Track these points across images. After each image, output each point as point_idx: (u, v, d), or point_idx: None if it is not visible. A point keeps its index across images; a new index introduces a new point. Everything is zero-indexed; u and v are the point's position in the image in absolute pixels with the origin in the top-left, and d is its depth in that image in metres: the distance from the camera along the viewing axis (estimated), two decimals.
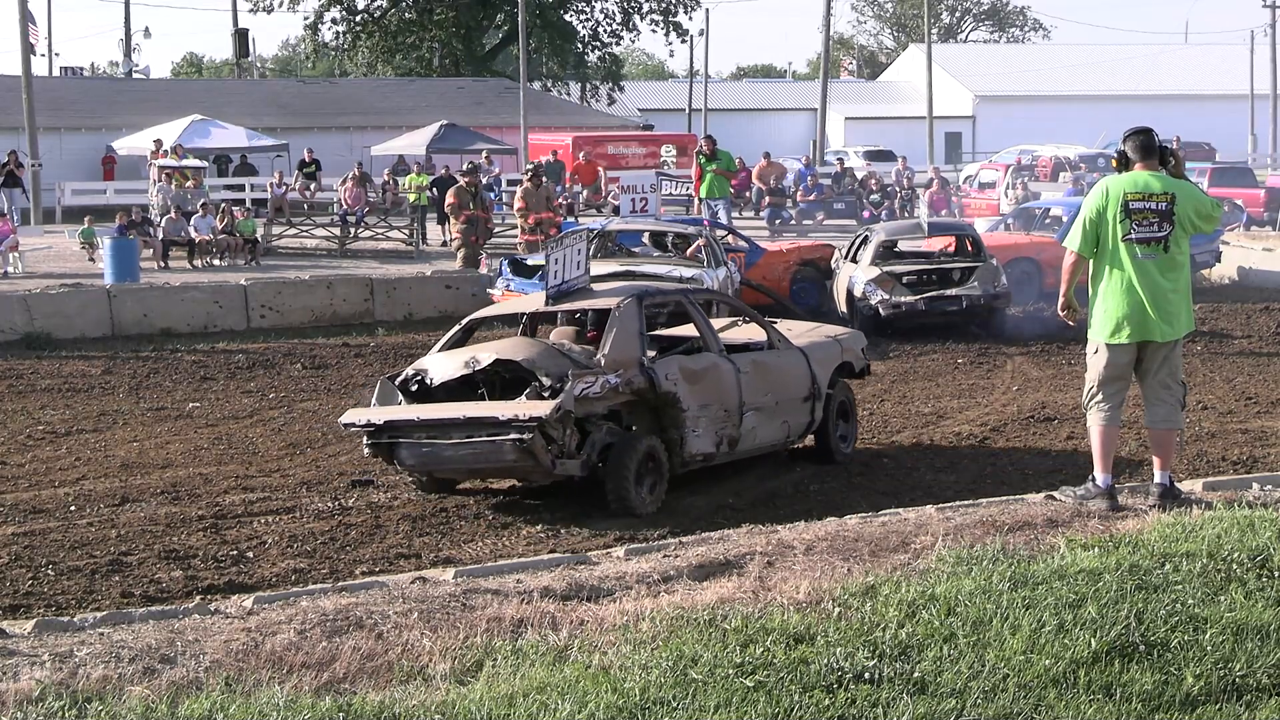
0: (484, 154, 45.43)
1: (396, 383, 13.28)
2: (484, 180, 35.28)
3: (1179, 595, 7.86)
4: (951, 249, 24.98)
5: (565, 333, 14.30)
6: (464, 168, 32.33)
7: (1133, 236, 10.15)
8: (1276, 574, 8.24)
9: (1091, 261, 10.34)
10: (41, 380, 20.34)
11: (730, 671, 6.85)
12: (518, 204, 30.44)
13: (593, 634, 7.57)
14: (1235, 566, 8.34)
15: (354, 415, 13.29)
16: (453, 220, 30.75)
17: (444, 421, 12.62)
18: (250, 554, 11.50)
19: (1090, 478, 10.42)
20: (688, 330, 14.65)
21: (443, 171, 39.07)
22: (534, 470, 12.68)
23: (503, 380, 13.21)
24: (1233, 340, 22.57)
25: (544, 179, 31.57)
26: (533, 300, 15.36)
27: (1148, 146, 10.37)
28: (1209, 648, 7.17)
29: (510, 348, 13.39)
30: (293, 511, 12.87)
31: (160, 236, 31.88)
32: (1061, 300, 10.65)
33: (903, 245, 25.03)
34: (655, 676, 6.82)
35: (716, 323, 15.09)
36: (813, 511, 11.59)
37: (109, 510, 12.99)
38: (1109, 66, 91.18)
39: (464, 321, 14.35)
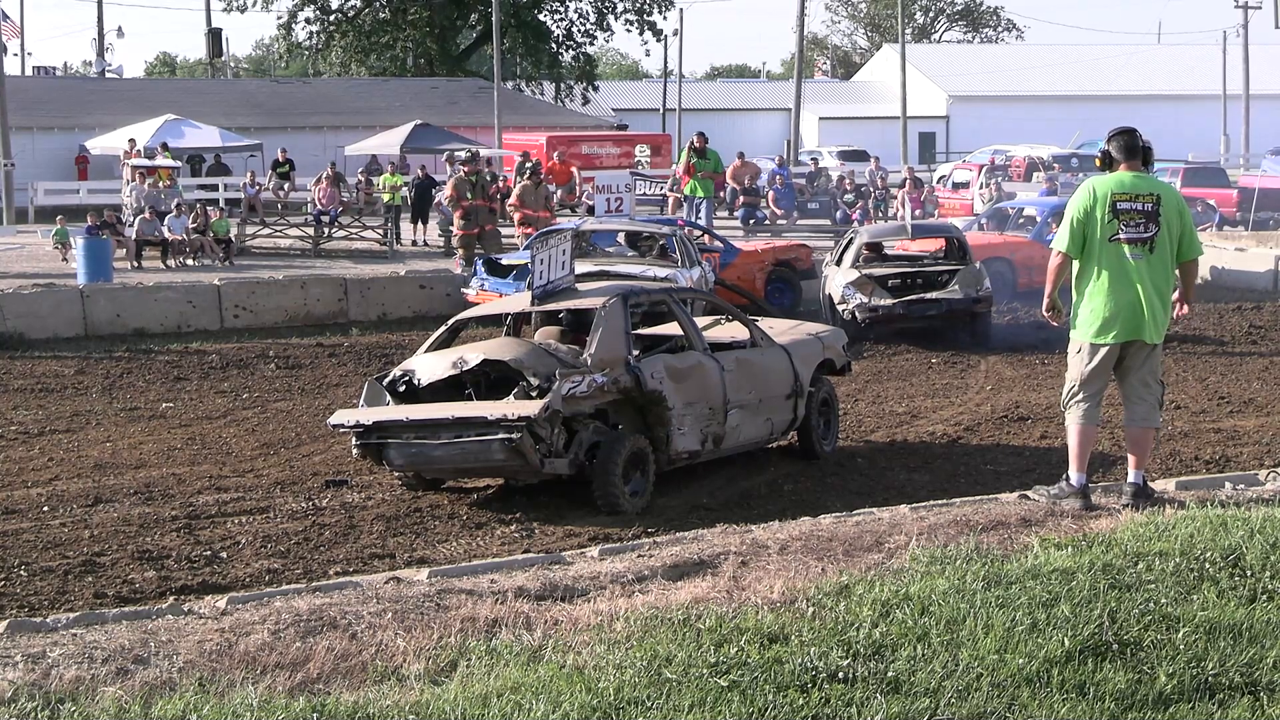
0: (445, 155, 45.23)
1: (384, 383, 13.31)
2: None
3: (1152, 594, 7.89)
4: (942, 251, 24.77)
5: (550, 332, 14.33)
6: (462, 156, 31.67)
7: (1120, 237, 10.18)
8: (1249, 573, 8.27)
9: (1076, 262, 10.37)
10: (14, 380, 20.27)
11: (704, 671, 6.85)
12: (513, 200, 30.11)
13: (567, 634, 7.57)
14: (1208, 565, 8.37)
15: (343, 416, 13.34)
16: (454, 215, 29.95)
17: (433, 422, 12.66)
18: (224, 554, 11.48)
19: (1064, 476, 10.44)
20: (671, 329, 14.68)
21: (419, 172, 38.95)
22: (522, 469, 12.72)
23: (490, 380, 13.27)
24: (1205, 340, 22.63)
25: (541, 178, 31.09)
26: (518, 300, 15.38)
27: (1131, 147, 10.41)
28: (1182, 646, 7.19)
29: (497, 348, 13.43)
30: (266, 512, 12.85)
31: (134, 236, 31.78)
32: (1046, 301, 10.66)
33: (888, 248, 24.93)
34: (630, 676, 6.82)
35: (700, 321, 15.14)
36: (787, 511, 11.61)
37: (82, 511, 12.95)
38: (1082, 67, 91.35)
39: (450, 322, 14.38)
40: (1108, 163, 10.48)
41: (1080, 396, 10.38)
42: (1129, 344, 10.30)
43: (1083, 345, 10.37)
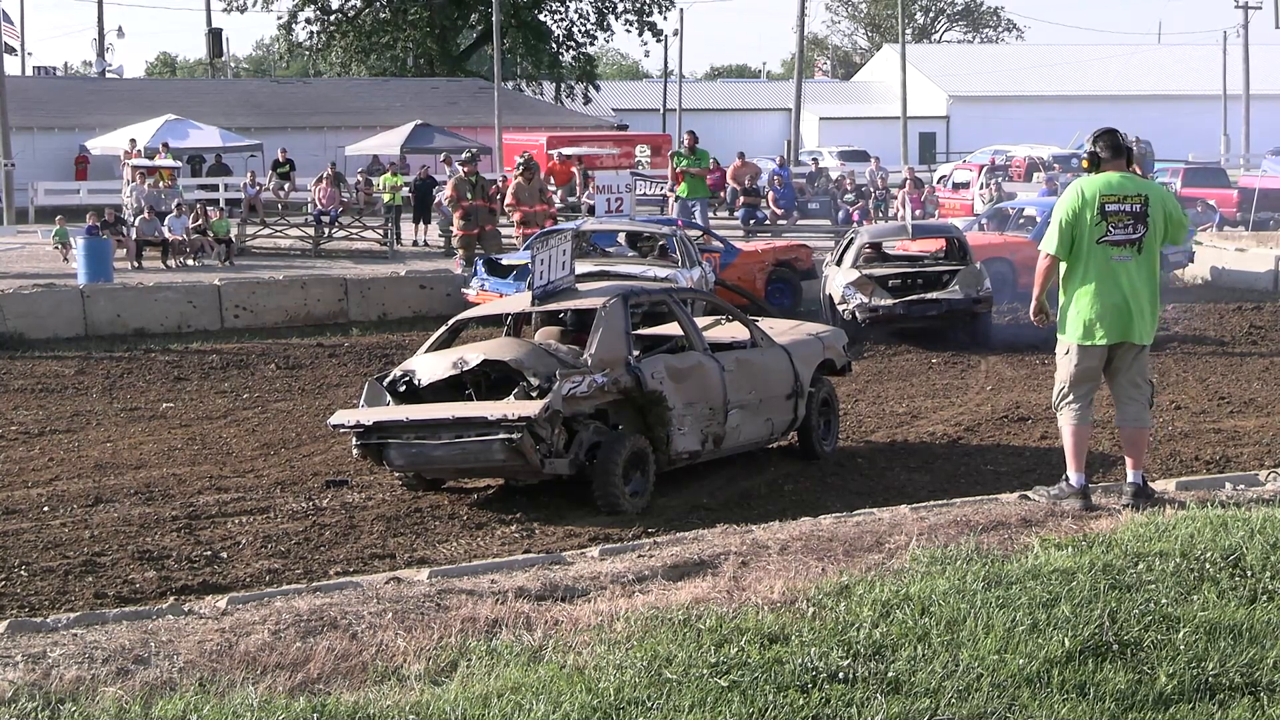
0: (443, 156, 45.12)
1: (384, 383, 13.30)
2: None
3: (1152, 595, 7.88)
4: (942, 252, 24.72)
5: (550, 332, 14.33)
6: (463, 156, 31.69)
7: (1109, 238, 10.17)
8: (1249, 573, 8.27)
9: (1064, 263, 10.36)
10: (14, 381, 20.27)
11: (705, 671, 6.85)
12: (509, 200, 30.02)
13: (567, 634, 7.57)
14: (1208, 566, 8.36)
15: (343, 416, 13.34)
16: (454, 215, 29.75)
17: (433, 422, 12.65)
18: (224, 554, 11.48)
19: (1064, 477, 10.44)
20: (671, 329, 14.68)
21: (420, 172, 38.94)
22: (523, 470, 12.72)
23: (490, 380, 13.27)
24: (1206, 340, 22.63)
25: (536, 172, 31.03)
26: (518, 300, 15.37)
27: (1116, 146, 10.41)
28: (1182, 647, 7.18)
29: (498, 348, 13.42)
30: (267, 512, 12.85)
31: (134, 236, 31.78)
32: (1034, 304, 10.66)
33: (888, 248, 24.91)
34: (630, 677, 6.82)
35: (700, 321, 15.13)
36: (787, 511, 11.60)
37: (82, 511, 12.95)
38: (1082, 67, 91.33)
39: (450, 322, 14.37)
40: (1095, 164, 10.47)
41: (1071, 398, 10.38)
42: (1117, 345, 10.29)
43: (1071, 347, 10.36)
